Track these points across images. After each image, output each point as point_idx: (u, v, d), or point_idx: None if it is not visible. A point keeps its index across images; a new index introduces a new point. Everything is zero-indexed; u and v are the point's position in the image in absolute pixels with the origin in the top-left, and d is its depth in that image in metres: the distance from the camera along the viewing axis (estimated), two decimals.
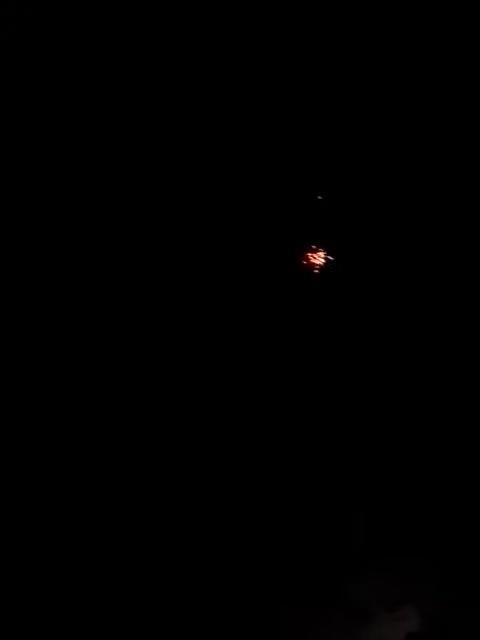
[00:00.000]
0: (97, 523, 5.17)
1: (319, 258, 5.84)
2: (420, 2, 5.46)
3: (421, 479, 5.24)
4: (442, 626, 4.59)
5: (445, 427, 5.31)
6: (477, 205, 5.48)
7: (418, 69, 5.54)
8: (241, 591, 5.11)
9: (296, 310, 5.73)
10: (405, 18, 5.46)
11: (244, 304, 5.68)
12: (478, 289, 5.43)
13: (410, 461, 5.32)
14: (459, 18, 5.40)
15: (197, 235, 5.70)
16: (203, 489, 5.32)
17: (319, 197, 5.71)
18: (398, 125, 5.61)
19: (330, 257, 5.81)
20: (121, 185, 5.66)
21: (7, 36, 5.47)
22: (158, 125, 5.67)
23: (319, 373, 5.57)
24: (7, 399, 5.34)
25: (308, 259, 5.83)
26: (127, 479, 5.29)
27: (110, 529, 5.15)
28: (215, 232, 5.75)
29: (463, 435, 5.28)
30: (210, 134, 5.69)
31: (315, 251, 5.82)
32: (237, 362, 5.62)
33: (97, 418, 5.37)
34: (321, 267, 5.83)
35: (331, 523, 5.25)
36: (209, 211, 5.72)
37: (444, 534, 5.05)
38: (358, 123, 5.66)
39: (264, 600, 5.09)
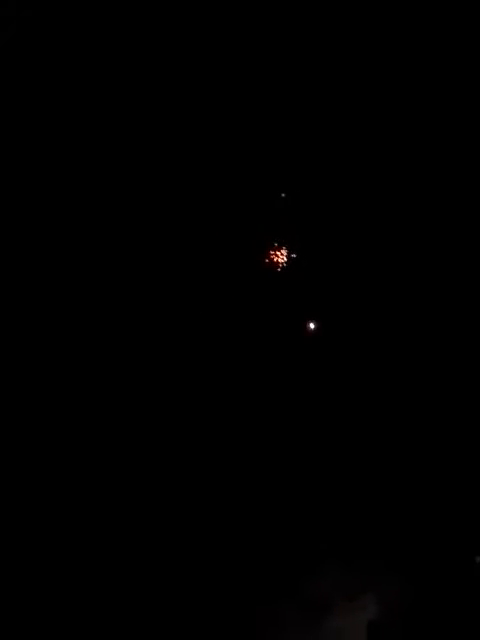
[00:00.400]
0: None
1: (282, 256, 5.92)
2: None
3: (376, 473, 5.33)
4: (401, 612, 4.64)
5: (401, 427, 5.42)
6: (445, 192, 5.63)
7: (397, 64, 5.70)
8: (202, 590, 5.12)
9: (262, 306, 5.82)
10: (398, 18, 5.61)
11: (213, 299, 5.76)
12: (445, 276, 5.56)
13: (364, 456, 5.42)
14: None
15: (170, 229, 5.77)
16: (163, 487, 5.37)
17: (282, 194, 5.80)
18: (369, 124, 5.75)
19: (293, 254, 5.90)
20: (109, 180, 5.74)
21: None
22: (155, 122, 5.74)
23: (280, 366, 5.65)
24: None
25: (271, 257, 5.91)
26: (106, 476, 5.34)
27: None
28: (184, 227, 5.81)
29: (414, 432, 5.38)
30: (187, 131, 5.78)
31: (278, 248, 5.91)
32: (205, 356, 5.67)
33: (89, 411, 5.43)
34: (284, 265, 5.92)
35: (288, 520, 5.31)
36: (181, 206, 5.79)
37: (399, 525, 5.13)
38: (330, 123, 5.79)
39: (226, 599, 5.10)
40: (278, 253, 5.91)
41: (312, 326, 5.80)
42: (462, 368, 5.41)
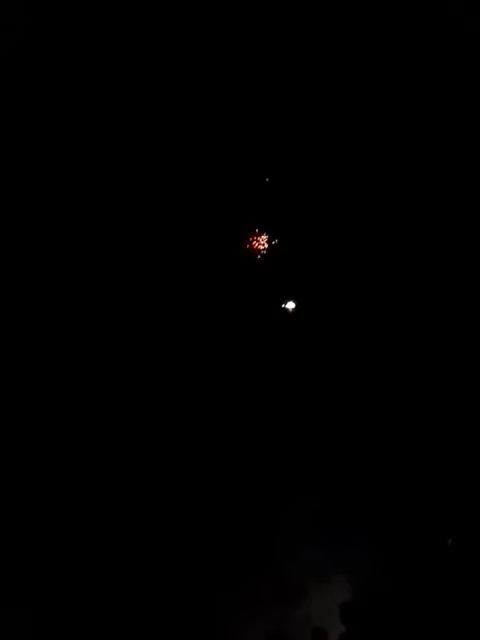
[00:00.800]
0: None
1: (262, 242, 5.97)
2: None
3: (350, 458, 5.34)
4: (373, 591, 4.61)
5: (373, 413, 5.43)
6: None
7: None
8: (176, 575, 5.11)
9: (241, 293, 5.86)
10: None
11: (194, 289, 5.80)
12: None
13: (338, 442, 5.42)
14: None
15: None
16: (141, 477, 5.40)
17: (266, 179, 5.86)
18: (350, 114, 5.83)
19: (274, 241, 5.95)
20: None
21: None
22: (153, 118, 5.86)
23: (255, 355, 5.70)
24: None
25: (251, 243, 5.96)
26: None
27: None
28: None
29: (386, 418, 5.40)
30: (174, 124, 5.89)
31: (258, 235, 5.96)
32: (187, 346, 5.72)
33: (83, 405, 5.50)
34: (264, 251, 5.96)
35: (260, 505, 5.32)
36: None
37: (373, 508, 5.12)
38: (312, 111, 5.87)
39: (199, 583, 5.09)
40: (261, 239, 5.96)
41: (295, 308, 5.84)
42: (432, 345, 5.44)
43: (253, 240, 5.97)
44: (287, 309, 5.82)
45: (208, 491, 5.34)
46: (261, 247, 5.97)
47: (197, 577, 5.10)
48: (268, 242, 5.95)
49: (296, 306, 5.81)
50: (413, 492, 5.09)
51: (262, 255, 5.96)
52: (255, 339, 5.75)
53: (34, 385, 5.49)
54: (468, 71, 5.58)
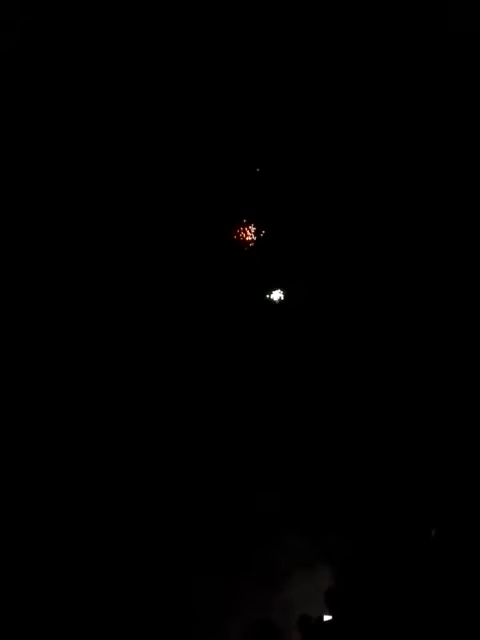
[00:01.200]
0: None
1: (250, 233, 5.99)
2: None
3: (334, 445, 5.40)
4: (354, 576, 4.68)
5: (357, 401, 5.50)
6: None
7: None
8: (160, 564, 5.17)
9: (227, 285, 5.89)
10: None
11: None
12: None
13: (322, 431, 5.47)
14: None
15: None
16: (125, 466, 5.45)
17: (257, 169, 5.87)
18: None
19: (262, 232, 5.97)
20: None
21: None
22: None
23: (237, 345, 5.75)
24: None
25: (238, 234, 5.98)
26: None
27: None
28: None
29: (372, 407, 5.46)
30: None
31: (246, 225, 5.98)
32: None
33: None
34: (251, 242, 5.99)
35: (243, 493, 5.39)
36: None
37: (356, 497, 5.21)
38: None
39: (181, 570, 5.15)
40: (249, 229, 5.99)
41: (282, 299, 5.88)
42: (418, 335, 5.51)
43: (241, 230, 5.99)
44: (274, 300, 5.86)
45: (191, 478, 5.39)
46: (248, 238, 5.99)
47: (179, 564, 5.15)
48: (256, 233, 5.97)
49: (284, 297, 5.85)
50: (398, 479, 5.15)
51: (250, 246, 5.99)
52: (243, 329, 5.79)
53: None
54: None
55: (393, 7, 5.59)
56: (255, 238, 5.98)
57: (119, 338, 5.66)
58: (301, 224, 5.90)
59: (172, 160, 5.87)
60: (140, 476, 5.38)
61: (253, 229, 5.98)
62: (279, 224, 5.95)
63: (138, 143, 5.87)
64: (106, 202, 5.82)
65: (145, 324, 5.70)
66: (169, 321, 5.72)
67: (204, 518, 5.27)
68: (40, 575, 5.05)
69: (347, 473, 5.28)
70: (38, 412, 5.44)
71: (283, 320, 5.77)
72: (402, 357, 5.48)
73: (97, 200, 5.81)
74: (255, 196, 5.97)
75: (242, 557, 5.14)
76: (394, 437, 5.27)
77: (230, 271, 5.94)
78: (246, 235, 5.99)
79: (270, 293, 5.86)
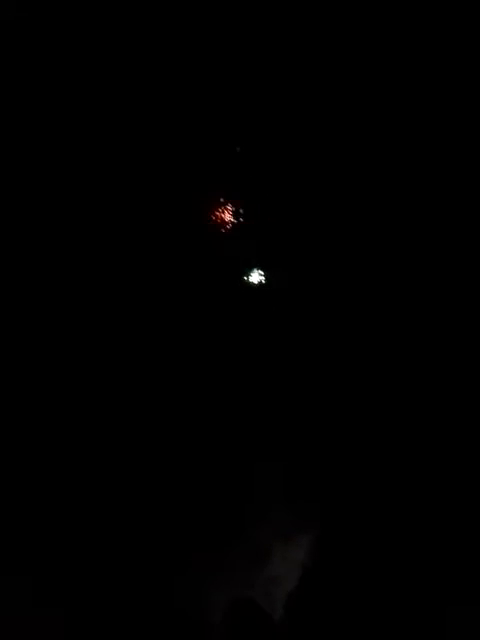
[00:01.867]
0: None
1: (228, 213, 5.98)
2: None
3: (317, 420, 5.55)
4: (331, 550, 4.88)
5: (342, 381, 5.64)
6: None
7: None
8: (145, 544, 5.29)
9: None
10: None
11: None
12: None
13: (306, 405, 5.61)
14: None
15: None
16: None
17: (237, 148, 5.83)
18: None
19: (240, 211, 5.96)
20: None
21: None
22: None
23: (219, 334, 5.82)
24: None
25: (217, 213, 5.96)
26: None
27: None
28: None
29: (357, 386, 5.61)
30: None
31: (224, 204, 5.96)
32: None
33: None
34: (230, 222, 5.98)
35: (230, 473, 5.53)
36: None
37: (338, 471, 5.39)
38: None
39: (169, 548, 5.30)
40: (228, 209, 5.97)
41: (262, 282, 5.93)
42: (411, 331, 5.64)
43: (220, 210, 5.97)
44: (253, 283, 5.90)
45: (176, 456, 5.52)
46: (228, 218, 5.98)
47: (163, 542, 5.32)
48: (236, 213, 5.96)
49: (264, 281, 5.89)
50: (381, 457, 5.32)
51: (229, 227, 5.98)
52: (224, 313, 5.84)
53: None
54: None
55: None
56: (234, 219, 5.97)
57: (102, 321, 5.67)
58: (283, 204, 5.90)
59: (152, 141, 5.79)
60: (125, 455, 5.49)
61: (232, 209, 5.96)
62: (260, 204, 5.94)
63: (130, 133, 5.84)
64: (91, 187, 5.81)
65: (126, 309, 5.71)
66: (150, 304, 5.74)
67: (189, 495, 5.42)
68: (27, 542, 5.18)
69: (332, 448, 5.41)
70: (34, 403, 5.49)
71: (264, 303, 5.84)
72: (390, 339, 5.59)
73: (84, 186, 5.80)
74: (235, 175, 5.93)
75: (227, 533, 5.31)
76: (379, 416, 5.42)
77: (209, 252, 5.94)
78: (225, 215, 5.97)
79: (249, 275, 5.89)
